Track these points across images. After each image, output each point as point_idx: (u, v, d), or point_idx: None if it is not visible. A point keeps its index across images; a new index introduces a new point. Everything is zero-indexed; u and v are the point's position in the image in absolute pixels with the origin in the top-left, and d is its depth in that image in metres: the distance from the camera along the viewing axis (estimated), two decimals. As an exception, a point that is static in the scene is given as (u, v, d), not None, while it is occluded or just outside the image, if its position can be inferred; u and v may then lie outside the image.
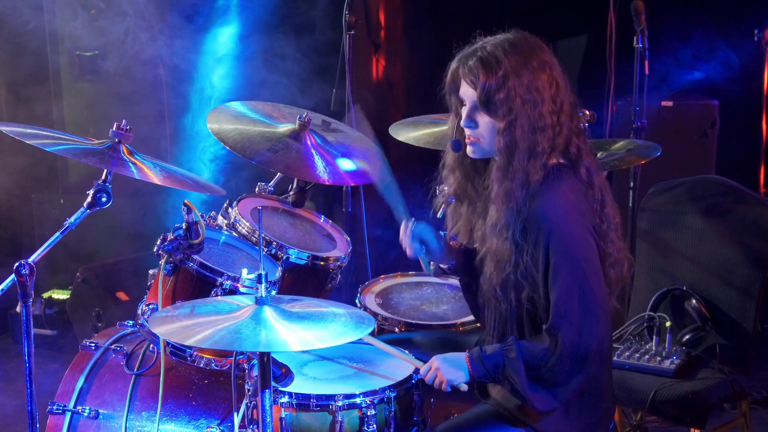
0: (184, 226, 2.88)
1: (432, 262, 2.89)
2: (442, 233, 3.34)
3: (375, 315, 3.39)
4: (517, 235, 2.54)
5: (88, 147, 2.93)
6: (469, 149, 2.65)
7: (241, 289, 2.99)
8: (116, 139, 2.96)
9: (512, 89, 2.48)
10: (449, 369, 2.66)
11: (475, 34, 2.63)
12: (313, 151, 3.49)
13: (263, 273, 2.42)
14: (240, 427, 2.84)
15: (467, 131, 2.62)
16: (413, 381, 2.83)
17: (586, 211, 2.57)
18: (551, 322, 2.52)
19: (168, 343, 3.03)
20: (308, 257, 3.34)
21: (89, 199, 2.79)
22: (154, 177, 2.92)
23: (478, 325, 3.05)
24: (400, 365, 2.94)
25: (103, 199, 2.80)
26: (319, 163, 3.46)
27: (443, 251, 2.86)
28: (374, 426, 2.71)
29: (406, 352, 2.97)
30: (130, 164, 2.91)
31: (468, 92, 2.58)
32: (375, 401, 2.72)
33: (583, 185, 2.59)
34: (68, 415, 3.15)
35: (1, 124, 2.92)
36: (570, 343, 2.49)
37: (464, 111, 2.61)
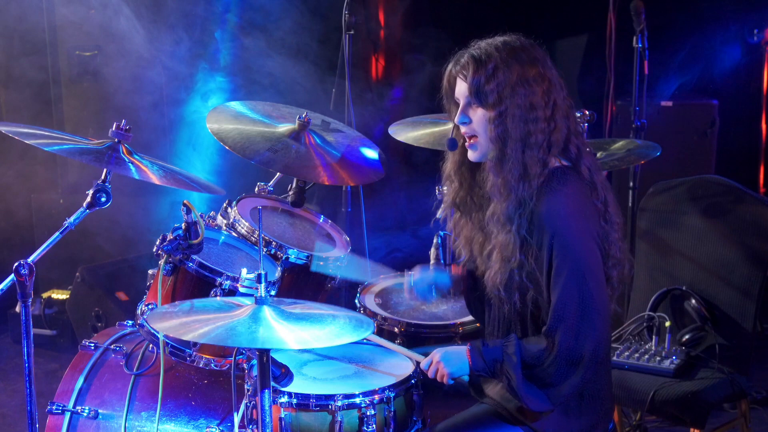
0: (183, 226, 2.88)
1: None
2: (442, 233, 3.34)
3: (374, 315, 3.39)
4: (523, 231, 2.55)
5: (87, 147, 2.93)
6: (469, 152, 2.65)
7: (241, 289, 2.99)
8: (116, 139, 2.96)
9: (502, 79, 2.52)
10: (450, 362, 2.67)
11: (474, 38, 2.65)
12: (313, 151, 3.50)
13: (263, 273, 2.42)
14: (239, 426, 2.84)
15: (462, 129, 2.63)
16: (413, 381, 2.83)
17: (591, 214, 2.58)
18: (549, 324, 2.53)
19: (167, 343, 3.03)
20: (308, 257, 3.34)
21: (89, 199, 2.79)
22: (153, 177, 2.93)
23: (477, 325, 3.05)
24: (399, 365, 2.94)
25: (103, 199, 2.80)
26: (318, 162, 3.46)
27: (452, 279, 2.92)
28: (374, 426, 2.71)
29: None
30: (130, 164, 2.91)
31: (461, 88, 2.61)
32: (374, 401, 2.73)
33: (587, 187, 2.60)
34: (68, 415, 3.15)
35: (1, 124, 2.92)
36: (566, 346, 2.50)
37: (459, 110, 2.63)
